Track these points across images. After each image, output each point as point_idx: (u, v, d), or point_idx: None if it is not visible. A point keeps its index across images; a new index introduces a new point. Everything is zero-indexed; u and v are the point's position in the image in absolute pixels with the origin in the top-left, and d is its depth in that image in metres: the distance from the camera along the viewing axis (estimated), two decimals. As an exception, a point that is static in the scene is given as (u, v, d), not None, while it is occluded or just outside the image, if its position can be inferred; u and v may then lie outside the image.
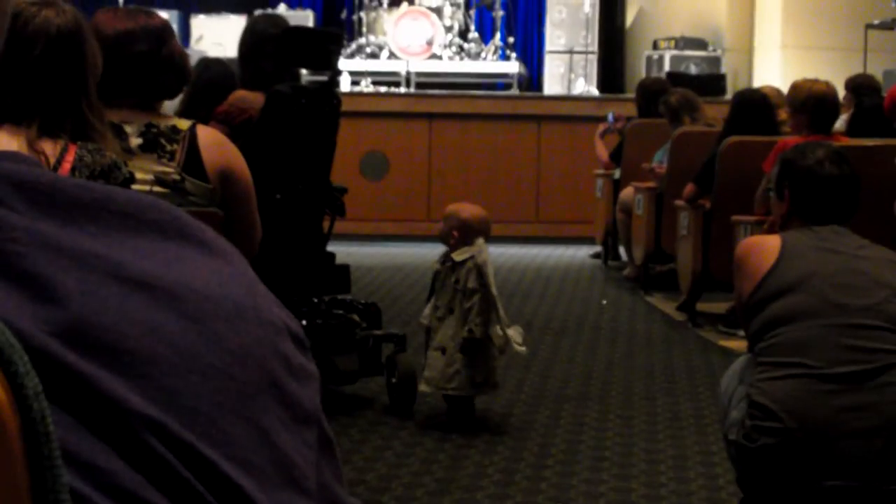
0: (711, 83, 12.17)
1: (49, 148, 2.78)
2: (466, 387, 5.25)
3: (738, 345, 6.61)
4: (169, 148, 3.48)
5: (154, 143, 3.47)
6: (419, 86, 12.69)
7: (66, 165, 2.74)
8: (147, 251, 0.62)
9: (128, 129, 3.46)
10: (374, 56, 13.01)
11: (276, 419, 0.63)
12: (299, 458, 0.64)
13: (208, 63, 6.24)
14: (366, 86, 12.23)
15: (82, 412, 0.57)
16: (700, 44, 13.16)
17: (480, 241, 5.30)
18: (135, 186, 3.10)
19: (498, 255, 9.57)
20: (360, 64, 12.63)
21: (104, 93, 3.05)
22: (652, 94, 9.65)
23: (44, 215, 0.60)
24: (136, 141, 3.46)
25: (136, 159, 3.39)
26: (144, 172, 3.39)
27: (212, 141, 3.56)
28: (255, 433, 0.61)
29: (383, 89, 12.29)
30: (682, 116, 8.74)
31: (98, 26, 3.42)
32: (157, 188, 3.43)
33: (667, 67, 12.69)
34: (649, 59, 13.22)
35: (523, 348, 5.25)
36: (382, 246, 10.68)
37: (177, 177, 3.47)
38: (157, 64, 3.52)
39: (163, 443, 0.58)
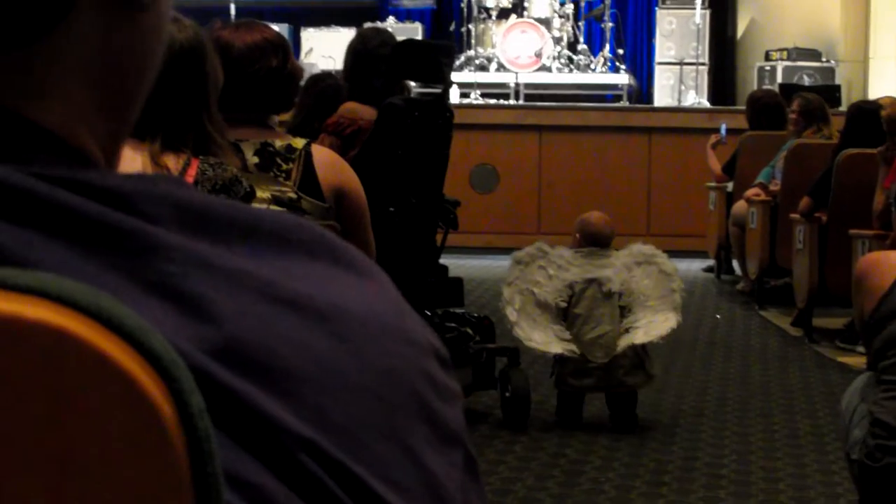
0: (826, 94, 11.97)
1: (171, 162, 2.79)
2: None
3: (857, 361, 6.49)
4: (285, 167, 3.48)
5: (270, 163, 3.46)
6: (528, 98, 12.66)
7: (189, 180, 2.75)
8: (296, 271, 0.63)
9: (244, 147, 3.46)
10: (482, 68, 13.00)
11: (423, 439, 0.63)
12: (446, 479, 0.64)
13: (318, 77, 6.28)
14: (475, 98, 12.22)
15: (238, 430, 0.58)
16: (813, 54, 12.98)
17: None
18: (253, 203, 3.13)
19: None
20: (468, 76, 12.61)
21: (225, 108, 3.05)
22: (763, 107, 9.54)
23: (197, 235, 0.61)
24: (252, 160, 3.46)
25: (252, 178, 3.38)
26: (261, 191, 3.38)
27: (327, 160, 3.56)
28: (403, 453, 0.62)
29: (493, 101, 12.28)
30: (814, 122, 8.63)
31: (224, 41, 3.42)
32: (273, 207, 3.43)
33: (779, 79, 12.53)
34: (761, 70, 13.07)
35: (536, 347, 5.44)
36: (493, 259, 10.65)
37: (293, 195, 3.46)
38: (284, 78, 3.51)
39: (316, 461, 0.59)
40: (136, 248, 0.59)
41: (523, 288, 5.45)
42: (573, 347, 5.41)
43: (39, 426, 0.52)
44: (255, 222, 0.63)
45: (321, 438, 0.59)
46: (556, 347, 5.38)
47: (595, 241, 5.57)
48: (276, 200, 3.46)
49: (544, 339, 5.39)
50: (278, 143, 3.48)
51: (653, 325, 5.40)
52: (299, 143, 3.53)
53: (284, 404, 0.59)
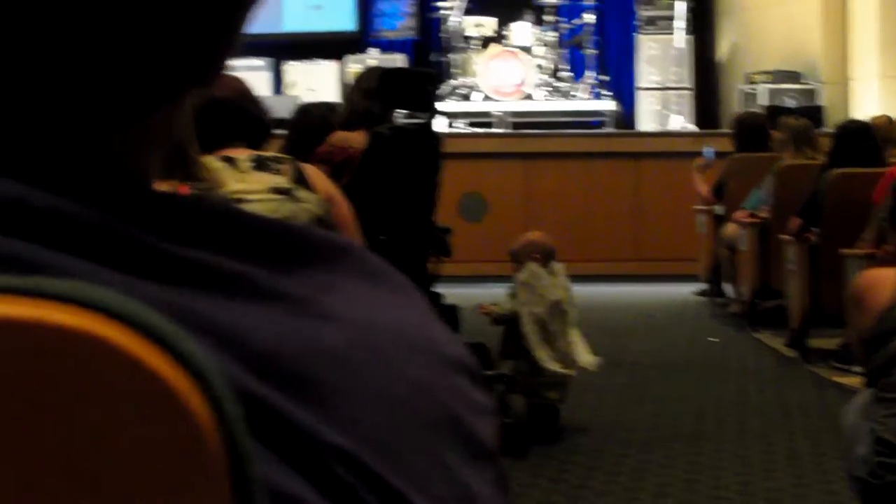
0: (809, 116, 11.99)
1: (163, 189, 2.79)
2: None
3: (853, 381, 6.46)
4: (278, 167, 3.60)
5: (264, 165, 3.59)
6: (513, 126, 12.66)
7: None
8: (326, 286, 0.61)
9: (237, 157, 3.58)
10: (466, 98, 13.00)
11: (457, 454, 0.62)
12: (481, 496, 0.63)
13: (307, 107, 6.27)
14: (463, 127, 12.21)
15: (274, 442, 0.56)
16: (795, 76, 13.02)
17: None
18: (251, 196, 3.40)
19: (598, 293, 9.53)
20: (452, 105, 12.61)
21: (213, 140, 3.12)
22: (749, 129, 9.55)
23: (227, 251, 0.60)
24: (247, 164, 3.58)
25: (248, 175, 3.51)
26: (258, 183, 3.51)
27: (316, 173, 3.71)
28: (439, 467, 0.61)
29: (479, 130, 12.27)
30: (803, 147, 8.61)
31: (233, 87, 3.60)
32: (272, 195, 3.52)
33: (760, 101, 12.55)
34: (743, 92, 13.10)
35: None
36: (484, 287, 10.60)
37: (289, 185, 3.54)
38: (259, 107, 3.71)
39: (354, 474, 0.57)
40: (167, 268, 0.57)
41: (532, 311, 5.73)
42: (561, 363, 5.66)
43: (74, 436, 0.50)
44: (284, 236, 0.62)
45: (359, 450, 0.58)
46: (555, 365, 5.62)
47: (547, 262, 5.90)
48: (273, 190, 3.53)
49: (548, 356, 5.63)
50: (268, 155, 3.65)
51: (581, 342, 5.82)
52: (287, 157, 3.73)
53: (320, 416, 0.57)
